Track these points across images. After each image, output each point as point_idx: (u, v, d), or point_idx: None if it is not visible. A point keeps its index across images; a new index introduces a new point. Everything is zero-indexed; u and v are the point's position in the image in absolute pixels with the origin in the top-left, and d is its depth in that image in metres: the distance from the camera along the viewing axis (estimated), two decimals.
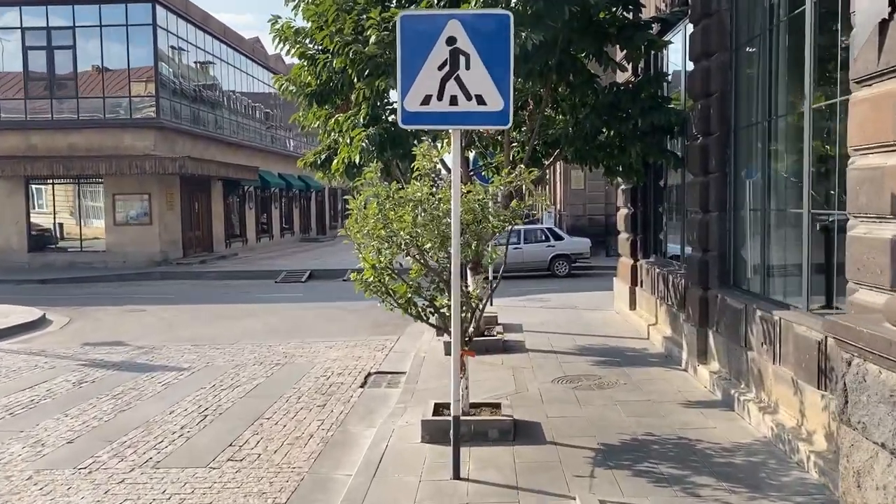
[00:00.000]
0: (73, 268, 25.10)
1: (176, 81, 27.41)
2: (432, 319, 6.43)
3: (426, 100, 5.00)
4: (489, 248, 6.73)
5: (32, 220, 26.28)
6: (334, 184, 10.39)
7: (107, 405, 8.10)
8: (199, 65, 29.60)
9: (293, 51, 9.36)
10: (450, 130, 5.58)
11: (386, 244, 5.98)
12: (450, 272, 5.59)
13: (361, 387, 8.80)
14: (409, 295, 6.33)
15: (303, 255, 29.50)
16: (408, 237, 5.70)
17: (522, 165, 6.05)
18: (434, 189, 5.97)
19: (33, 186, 26.14)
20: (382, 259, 6.11)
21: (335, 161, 8.88)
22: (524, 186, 6.01)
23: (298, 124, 10.42)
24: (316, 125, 10.20)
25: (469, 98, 4.97)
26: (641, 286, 11.15)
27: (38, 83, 25.61)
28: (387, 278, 6.25)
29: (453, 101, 4.98)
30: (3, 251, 25.67)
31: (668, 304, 9.52)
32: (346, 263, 15.73)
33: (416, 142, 8.46)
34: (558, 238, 20.89)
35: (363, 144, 7.99)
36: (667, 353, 9.11)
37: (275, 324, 14.03)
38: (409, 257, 6.06)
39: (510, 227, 6.26)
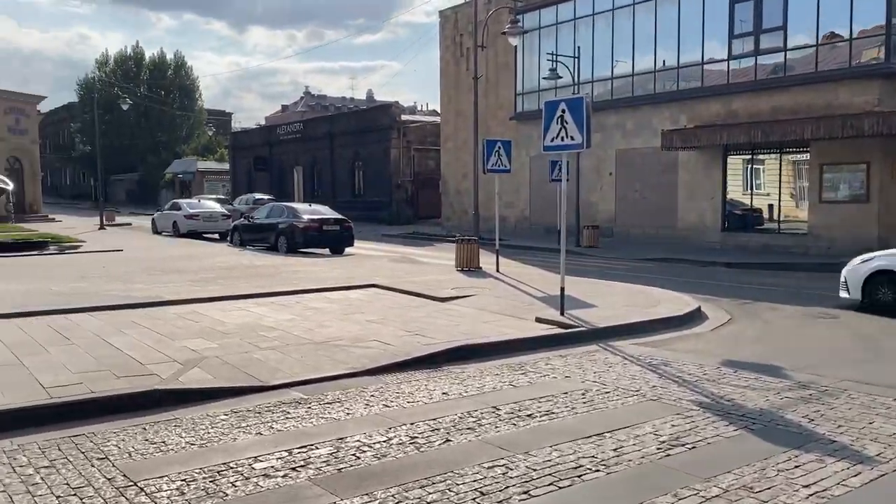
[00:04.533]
0: (767, 251, 21.48)
1: None
2: None
3: None
4: None
5: (729, 195, 23.66)
6: None
7: None
8: None
9: None
10: None
11: None
12: None
13: None
14: None
15: None
16: None
17: None
18: None
19: (730, 158, 23.42)
20: None
21: None
22: None
23: None
24: None
25: None
26: None
27: (742, 39, 22.62)
28: None
29: None
30: (695, 228, 23.92)
31: None
32: None
33: None
34: None
35: None
36: None
37: None
38: None
39: None
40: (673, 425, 5.86)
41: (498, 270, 15.61)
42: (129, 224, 38.66)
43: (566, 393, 6.87)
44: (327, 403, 6.47)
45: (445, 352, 8.19)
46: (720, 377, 7.49)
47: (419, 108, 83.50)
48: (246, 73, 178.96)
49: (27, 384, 6.68)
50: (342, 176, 44.37)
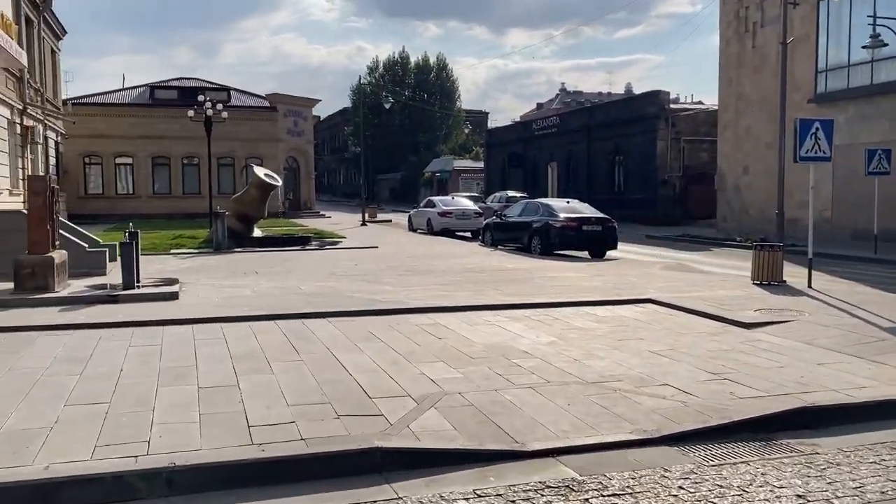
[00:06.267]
0: None
1: None
2: None
3: None
4: None
5: None
6: None
7: None
8: None
9: None
10: None
11: None
12: None
13: None
14: None
15: None
16: None
17: None
18: None
19: None
20: None
21: None
22: None
23: None
24: None
25: None
26: None
27: None
28: None
29: None
30: None
31: None
32: None
33: None
34: None
35: None
36: None
37: None
38: None
39: None
40: None
41: (810, 286, 12.24)
42: (389, 221, 39.64)
43: None
44: (612, 496, 4.29)
45: (781, 415, 5.57)
46: None
47: (682, 100, 77.74)
48: (503, 75, 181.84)
49: (232, 420, 5.37)
50: (600, 171, 41.73)
